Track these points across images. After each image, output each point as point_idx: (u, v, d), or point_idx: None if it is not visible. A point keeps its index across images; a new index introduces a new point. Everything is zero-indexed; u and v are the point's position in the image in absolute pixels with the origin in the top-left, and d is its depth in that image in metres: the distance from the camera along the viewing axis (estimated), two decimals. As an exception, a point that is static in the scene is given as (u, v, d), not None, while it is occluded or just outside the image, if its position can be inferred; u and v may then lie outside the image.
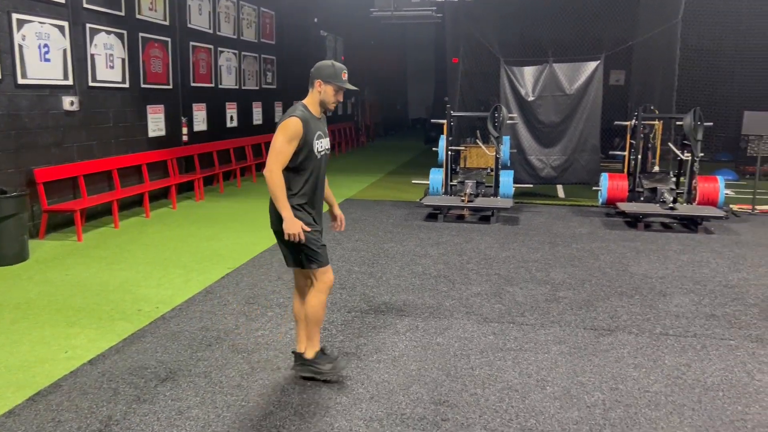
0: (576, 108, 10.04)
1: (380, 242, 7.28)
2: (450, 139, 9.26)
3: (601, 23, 10.56)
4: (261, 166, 12.78)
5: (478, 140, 9.36)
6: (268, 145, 13.51)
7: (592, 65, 9.88)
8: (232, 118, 12.18)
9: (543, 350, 4.26)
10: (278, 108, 14.46)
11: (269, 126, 13.82)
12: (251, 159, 12.20)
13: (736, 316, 4.93)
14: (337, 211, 3.95)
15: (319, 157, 3.60)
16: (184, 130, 10.38)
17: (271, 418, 3.35)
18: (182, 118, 10.36)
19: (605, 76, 15.62)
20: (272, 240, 7.26)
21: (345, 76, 3.60)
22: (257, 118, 13.35)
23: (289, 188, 3.49)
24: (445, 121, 9.25)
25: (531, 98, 10.12)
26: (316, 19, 16.66)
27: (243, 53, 12.58)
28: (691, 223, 8.10)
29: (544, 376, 3.87)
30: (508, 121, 9.51)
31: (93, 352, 4.17)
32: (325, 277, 3.64)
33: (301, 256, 3.58)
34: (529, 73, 10.14)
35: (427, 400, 3.55)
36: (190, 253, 6.74)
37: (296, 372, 3.80)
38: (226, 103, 12.00)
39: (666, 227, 8.20)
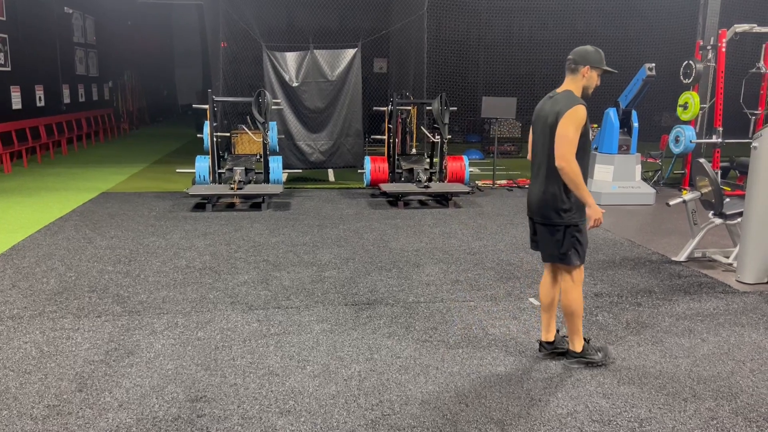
0: (339, 94, 10.37)
1: (140, 237, 6.79)
2: (216, 125, 8.95)
3: (359, 12, 11.03)
4: (-4, 160, 11.10)
5: (243, 126, 9.19)
6: (5, 135, 11.61)
7: (350, 53, 10.27)
8: (-48, 104, 10.38)
9: (306, 331, 4.35)
10: (15, 93, 12.64)
11: (4, 113, 12.04)
12: (-17, 152, 10.53)
13: (476, 280, 5.54)
14: None
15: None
16: None
17: (-5, 448, 2.93)
18: None
19: (370, 63, 16.35)
20: (7, 244, 6.39)
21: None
22: (-12, 104, 11.55)
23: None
24: (208, 107, 8.92)
25: (295, 84, 10.21)
26: (57, -6, 14.88)
27: (-38, 29, 10.76)
28: (442, 199, 8.91)
29: (305, 356, 3.95)
30: (274, 107, 9.49)
31: None
32: (582, 271, 3.78)
33: (570, 252, 3.65)
34: (292, 59, 10.20)
35: (183, 399, 3.40)
36: None
37: (567, 365, 3.86)
38: (-56, 88, 10.19)
39: (423, 204, 8.91)
